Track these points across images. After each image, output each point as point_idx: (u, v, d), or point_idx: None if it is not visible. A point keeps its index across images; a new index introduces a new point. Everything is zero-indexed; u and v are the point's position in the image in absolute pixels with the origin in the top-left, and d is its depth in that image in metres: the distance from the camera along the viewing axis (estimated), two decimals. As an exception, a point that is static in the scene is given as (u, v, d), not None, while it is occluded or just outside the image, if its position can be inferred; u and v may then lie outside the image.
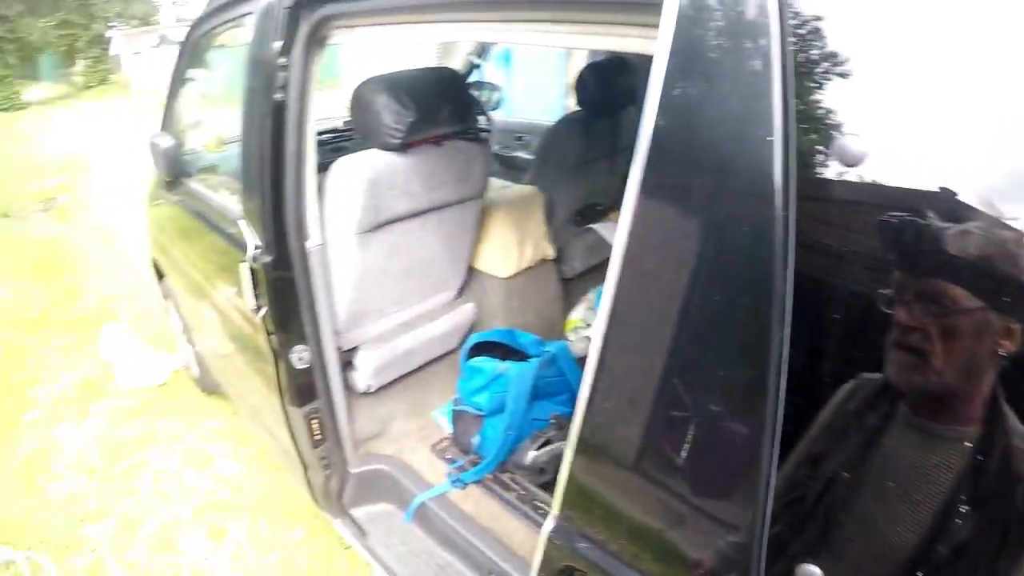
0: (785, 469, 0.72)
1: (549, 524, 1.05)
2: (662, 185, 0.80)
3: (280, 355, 1.85)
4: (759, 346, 0.71)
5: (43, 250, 6.11)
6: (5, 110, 17.06)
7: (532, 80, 6.92)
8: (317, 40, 1.60)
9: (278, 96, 1.61)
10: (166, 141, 2.63)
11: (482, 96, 3.50)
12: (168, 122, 2.86)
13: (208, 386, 3.45)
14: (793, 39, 0.67)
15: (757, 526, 0.74)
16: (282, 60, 1.59)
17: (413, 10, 1.37)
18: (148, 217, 3.46)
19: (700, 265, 0.78)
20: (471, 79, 3.66)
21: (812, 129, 0.68)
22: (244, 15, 1.89)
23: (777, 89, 0.67)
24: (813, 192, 0.68)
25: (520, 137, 3.94)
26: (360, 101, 2.00)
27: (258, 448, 3.13)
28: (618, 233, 0.84)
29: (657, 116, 0.78)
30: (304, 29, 1.57)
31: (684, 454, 0.83)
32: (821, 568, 0.71)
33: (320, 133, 2.96)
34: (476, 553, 1.84)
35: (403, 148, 2.01)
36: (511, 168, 3.75)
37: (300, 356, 1.86)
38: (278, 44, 1.58)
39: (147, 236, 3.56)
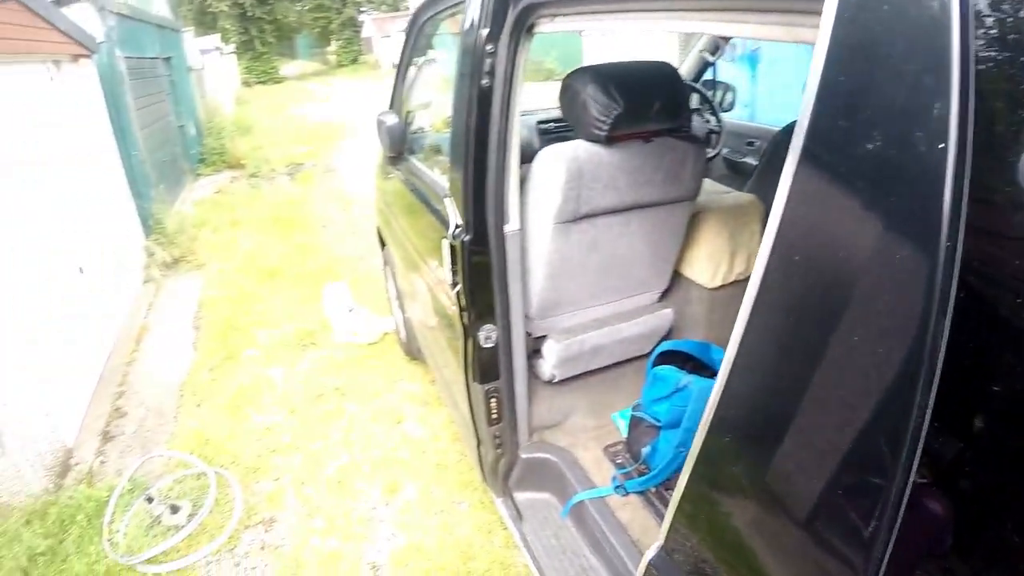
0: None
1: (652, 552, 1.03)
2: (813, 190, 0.72)
3: (469, 331, 1.96)
4: (901, 397, 0.62)
5: (285, 210, 6.89)
6: (263, 83, 19.22)
7: (778, 83, 6.58)
8: (523, 28, 1.66)
9: (484, 82, 1.70)
10: (391, 119, 2.86)
11: (715, 96, 3.42)
12: (395, 101, 3.12)
13: (412, 351, 3.72)
14: (978, 31, 0.56)
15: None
16: (489, 47, 1.67)
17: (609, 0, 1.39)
18: (376, 188, 3.79)
19: (846, 288, 0.69)
20: (704, 77, 3.59)
21: (996, 141, 0.57)
22: (458, 2, 2.01)
23: (955, 88, 0.57)
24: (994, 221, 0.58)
25: (752, 142, 3.74)
26: (569, 91, 2.03)
27: (446, 417, 3.34)
28: (764, 240, 0.77)
29: (813, 113, 0.70)
30: (511, 17, 1.64)
31: (805, 502, 0.76)
32: None
33: (544, 122, 3.08)
34: (619, 564, 1.85)
35: (609, 141, 2.01)
36: (737, 173, 3.60)
37: (488, 335, 1.95)
38: (485, 31, 1.66)
39: (374, 206, 3.91)
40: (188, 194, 7.98)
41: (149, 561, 2.69)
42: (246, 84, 17.38)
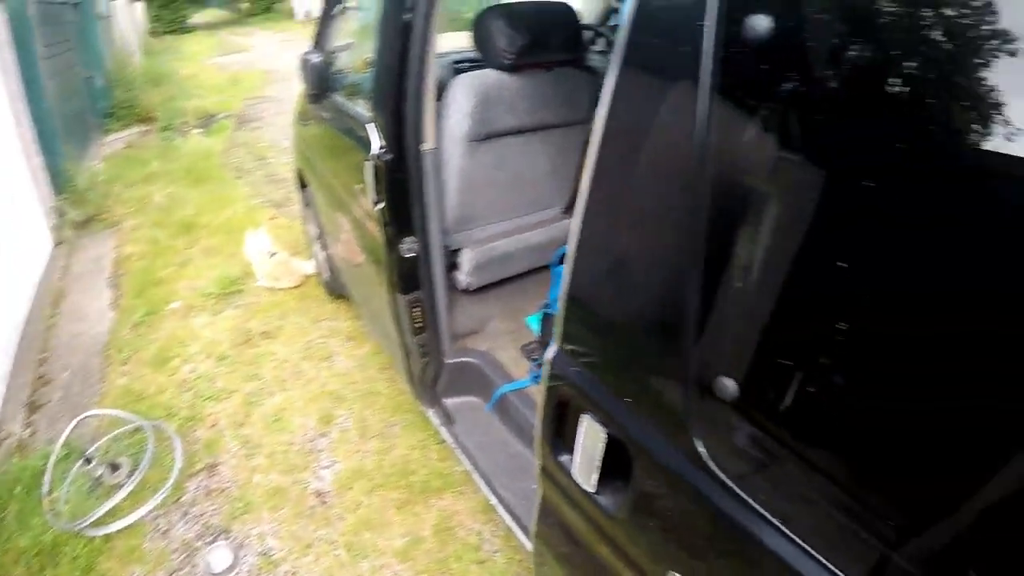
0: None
1: (551, 352, 1.32)
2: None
3: (391, 245, 2.26)
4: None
5: (199, 162, 6.96)
6: (172, 32, 18.77)
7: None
8: None
9: (406, 16, 2.00)
10: (316, 57, 3.09)
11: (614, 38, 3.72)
12: (320, 41, 3.34)
13: (335, 289, 4.00)
14: None
15: (687, 349, 0.97)
16: None
17: None
18: (295, 131, 4.00)
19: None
20: (611, 22, 3.89)
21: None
22: None
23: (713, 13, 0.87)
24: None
25: None
26: (480, 25, 2.44)
27: (371, 349, 3.63)
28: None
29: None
30: None
31: (639, 301, 1.09)
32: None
33: (458, 62, 3.38)
34: None
35: (514, 69, 2.44)
36: None
37: (409, 247, 2.27)
38: None
39: (293, 148, 4.12)
40: (98, 149, 7.95)
41: (95, 524, 2.80)
42: (154, 34, 17.00)
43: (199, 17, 23.10)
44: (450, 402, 2.63)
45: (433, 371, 2.57)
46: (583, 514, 1.32)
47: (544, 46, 2.45)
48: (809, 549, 0.86)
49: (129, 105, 9.04)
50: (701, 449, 0.97)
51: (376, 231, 2.33)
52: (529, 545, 1.76)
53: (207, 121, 8.75)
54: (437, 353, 2.53)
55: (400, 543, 2.56)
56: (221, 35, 16.71)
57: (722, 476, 0.95)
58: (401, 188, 2.19)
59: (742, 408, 0.90)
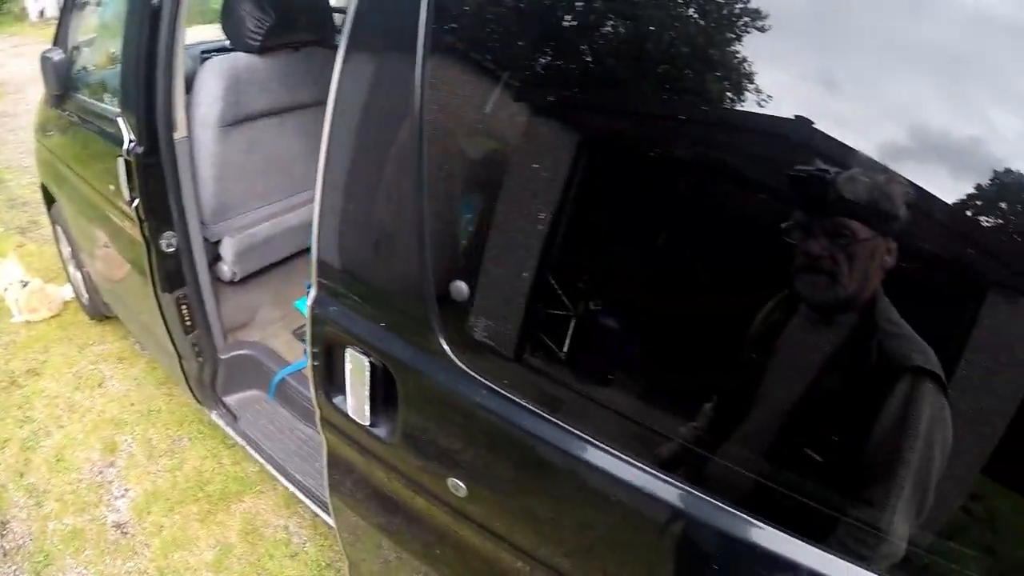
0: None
1: (311, 297, 1.44)
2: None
3: (151, 242, 2.28)
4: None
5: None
6: None
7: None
8: None
9: (155, 1, 2.03)
10: (57, 55, 3.00)
11: None
12: (61, 38, 3.23)
13: (97, 311, 3.88)
14: None
15: (425, 264, 1.16)
16: None
17: None
18: (37, 143, 3.77)
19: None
20: None
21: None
22: None
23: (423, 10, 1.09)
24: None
25: None
26: (228, 8, 2.51)
27: (145, 365, 3.60)
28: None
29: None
30: None
31: (380, 232, 1.29)
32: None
33: (207, 51, 3.40)
34: None
35: (263, 51, 2.54)
36: None
37: (168, 242, 2.30)
38: None
39: (37, 162, 3.90)
40: None
41: None
42: None
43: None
44: (231, 399, 2.70)
45: (209, 370, 2.62)
46: (365, 452, 1.46)
47: (291, 27, 2.58)
48: (555, 420, 1.07)
49: None
50: (447, 349, 1.17)
51: (134, 231, 2.34)
52: (333, 523, 1.85)
53: (-74, 146, 8.01)
54: (211, 350, 2.59)
55: (211, 555, 2.61)
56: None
57: (468, 370, 1.15)
58: (156, 181, 2.23)
59: (475, 305, 1.12)
